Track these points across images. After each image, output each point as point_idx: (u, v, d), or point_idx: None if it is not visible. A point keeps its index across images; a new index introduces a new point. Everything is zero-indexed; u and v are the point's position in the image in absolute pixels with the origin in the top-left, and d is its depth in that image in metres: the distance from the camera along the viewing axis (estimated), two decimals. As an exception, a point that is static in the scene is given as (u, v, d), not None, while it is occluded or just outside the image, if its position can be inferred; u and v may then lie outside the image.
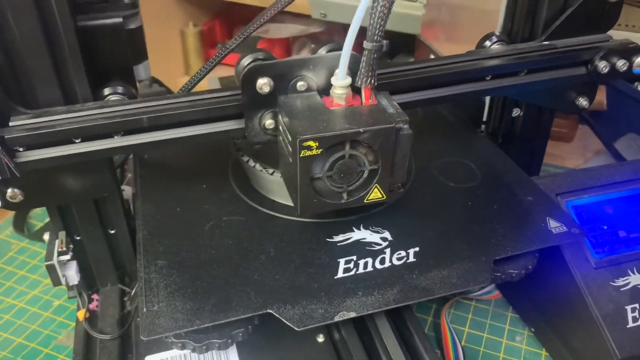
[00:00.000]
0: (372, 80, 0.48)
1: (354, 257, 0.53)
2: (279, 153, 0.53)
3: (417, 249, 0.54)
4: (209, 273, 0.51)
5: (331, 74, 0.51)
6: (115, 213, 0.63)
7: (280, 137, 0.51)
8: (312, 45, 1.31)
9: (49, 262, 0.59)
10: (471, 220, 0.58)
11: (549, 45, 0.63)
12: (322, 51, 0.52)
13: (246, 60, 0.51)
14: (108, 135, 0.51)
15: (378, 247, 0.54)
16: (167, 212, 0.58)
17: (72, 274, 0.62)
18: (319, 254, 0.53)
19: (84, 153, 0.51)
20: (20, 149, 0.49)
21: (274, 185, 0.58)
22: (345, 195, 0.50)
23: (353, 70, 0.49)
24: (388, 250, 0.54)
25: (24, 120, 0.49)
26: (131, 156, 0.76)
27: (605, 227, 0.66)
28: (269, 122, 0.52)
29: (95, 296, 0.67)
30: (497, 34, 0.67)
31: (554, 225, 0.58)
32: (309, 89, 0.51)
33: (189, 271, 0.51)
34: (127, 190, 0.70)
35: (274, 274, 0.51)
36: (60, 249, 0.60)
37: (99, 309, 0.65)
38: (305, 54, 1.34)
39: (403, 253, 0.54)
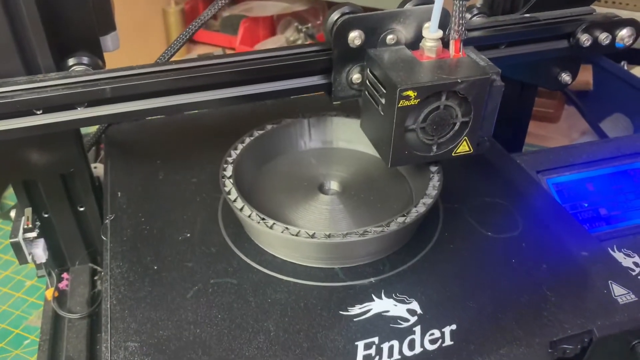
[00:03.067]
0: (463, 32, 0.47)
1: (376, 339, 0.43)
2: (364, 108, 0.52)
3: (453, 326, 0.44)
4: None
5: (420, 27, 0.50)
6: (84, 189, 0.61)
7: (367, 92, 0.51)
8: (296, 24, 1.28)
9: (14, 240, 0.57)
10: (517, 285, 0.47)
11: (530, 17, 0.61)
12: (409, 5, 0.51)
13: (336, 15, 0.50)
14: (71, 106, 0.49)
15: (405, 324, 0.44)
16: (142, 271, 0.48)
17: (39, 252, 0.60)
18: (332, 333, 0.43)
19: (46, 125, 0.49)
20: (-22, 121, 0.47)
21: (275, 239, 0.49)
22: (434, 148, 0.49)
23: (441, 24, 0.48)
24: (418, 329, 0.44)
25: (-19, 91, 0.47)
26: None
27: (586, 205, 0.65)
28: (356, 77, 0.52)
29: (65, 275, 0.65)
30: (478, 6, 0.65)
31: (619, 292, 0.47)
32: (397, 42, 0.50)
33: (167, 359, 0.42)
34: (99, 168, 0.68)
35: None
36: (26, 226, 0.58)
37: (69, 288, 0.64)
38: (290, 32, 1.32)
39: (437, 333, 0.43)
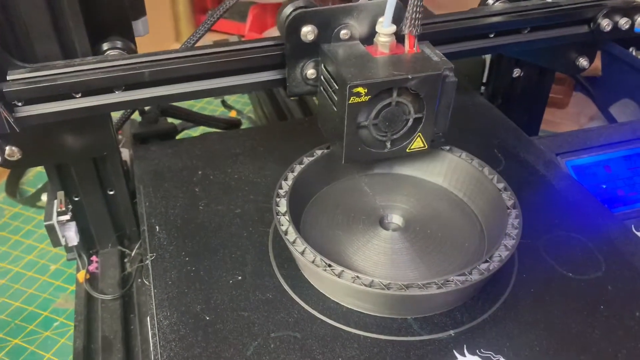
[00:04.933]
0: (417, 27, 0.47)
1: None
2: (319, 104, 0.52)
3: None
4: None
5: (374, 22, 0.50)
6: (115, 173, 0.62)
7: (322, 87, 0.50)
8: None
9: (49, 222, 0.58)
10: (610, 336, 0.43)
11: (552, 2, 0.62)
12: (362, -1, 0.51)
13: (288, 9, 0.49)
14: (109, 89, 0.50)
15: None
16: (193, 323, 0.43)
17: (71, 234, 0.61)
18: None
19: (85, 108, 0.50)
20: (19, 104, 0.48)
21: (342, 288, 0.44)
22: (388, 144, 0.49)
23: (395, 19, 0.48)
24: None
25: (22, 74, 0.48)
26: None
27: (604, 187, 0.66)
28: (310, 72, 0.52)
29: (94, 258, 0.66)
30: (500, -8, 0.66)
31: None
32: (351, 38, 0.50)
33: None
34: (124, 153, 0.69)
35: None
36: (59, 209, 0.59)
37: (99, 270, 0.65)
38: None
39: None
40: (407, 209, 0.53)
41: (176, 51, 0.52)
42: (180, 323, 0.43)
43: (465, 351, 0.41)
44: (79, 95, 0.49)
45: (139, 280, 0.59)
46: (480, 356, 0.41)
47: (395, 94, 0.46)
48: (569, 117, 1.05)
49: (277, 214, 0.47)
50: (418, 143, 0.50)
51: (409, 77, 0.45)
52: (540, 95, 0.75)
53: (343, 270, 0.42)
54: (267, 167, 0.59)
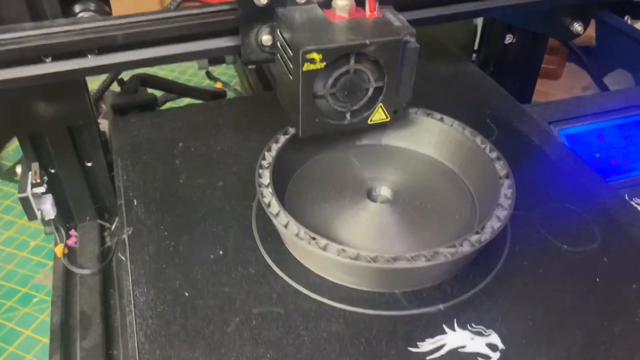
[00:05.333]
0: None
1: None
2: (277, 72, 0.49)
3: None
4: None
5: None
6: (92, 144, 0.59)
7: (279, 54, 0.48)
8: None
9: (23, 194, 0.56)
10: (606, 310, 0.42)
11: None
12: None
13: None
14: (81, 53, 0.47)
15: None
16: (172, 299, 0.41)
17: (47, 207, 0.59)
18: None
19: (56, 73, 0.47)
20: (-14, 69, 0.45)
21: (327, 262, 0.42)
22: (348, 116, 0.47)
23: None
24: None
25: (-13, 37, 0.45)
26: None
27: (597, 155, 0.65)
28: (266, 38, 0.48)
29: (73, 232, 0.64)
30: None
31: None
32: (309, 1, 0.47)
33: None
34: (104, 124, 0.67)
35: None
36: (34, 181, 0.57)
37: (78, 244, 0.63)
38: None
39: None
40: (396, 180, 0.51)
41: (152, 13, 0.50)
42: (158, 299, 0.41)
43: (456, 326, 0.40)
44: (49, 59, 0.46)
45: (119, 254, 0.57)
46: (470, 331, 0.40)
47: (353, 61, 0.44)
48: (562, 88, 1.03)
49: (260, 186, 0.45)
50: (380, 114, 0.47)
51: (367, 42, 0.42)
52: (533, 63, 0.73)
53: (328, 243, 0.40)
54: (251, 138, 0.57)
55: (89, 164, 0.61)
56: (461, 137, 0.51)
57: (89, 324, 0.55)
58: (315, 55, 0.42)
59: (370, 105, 0.47)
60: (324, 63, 0.42)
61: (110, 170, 0.62)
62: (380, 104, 0.47)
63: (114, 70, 0.55)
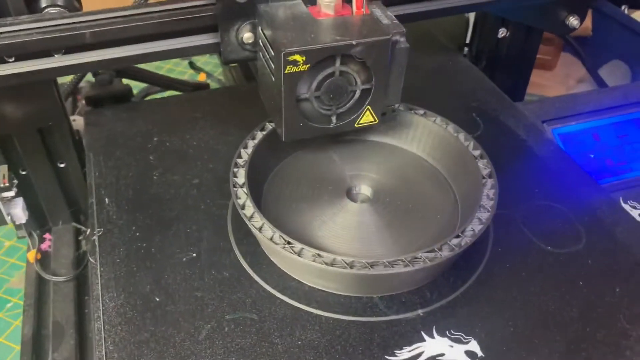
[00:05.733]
0: None
1: None
2: (259, 72, 0.46)
3: None
4: None
5: None
6: (64, 144, 0.57)
7: (261, 53, 0.45)
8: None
9: (-10, 199, 0.53)
10: (592, 316, 0.40)
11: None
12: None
13: None
14: (47, 53, 0.45)
15: None
16: (142, 305, 0.40)
17: (18, 211, 0.56)
18: None
19: (20, 74, 0.45)
20: (-58, 69, 0.42)
21: (303, 267, 0.41)
22: (334, 119, 0.44)
23: None
24: None
25: (-56, 35, 0.42)
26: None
27: (592, 156, 0.63)
28: (247, 36, 0.46)
29: (47, 236, 0.62)
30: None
31: None
32: None
33: None
34: (79, 121, 0.64)
35: None
36: (2, 185, 0.54)
37: (52, 249, 0.60)
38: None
39: None
40: (376, 178, 0.49)
41: (122, 9, 0.47)
42: (128, 305, 0.40)
43: (435, 332, 0.39)
44: (12, 59, 0.44)
45: (89, 256, 0.55)
46: (450, 338, 0.38)
47: (338, 63, 0.41)
48: (556, 78, 1.00)
49: (235, 186, 0.44)
50: (367, 117, 0.45)
51: (353, 42, 0.40)
52: (527, 57, 0.71)
53: (303, 248, 0.39)
54: (229, 132, 0.55)
55: (62, 165, 0.59)
56: (444, 134, 0.49)
57: (62, 334, 0.53)
58: (297, 57, 0.39)
59: (358, 107, 0.44)
60: (308, 65, 0.40)
61: (84, 171, 0.59)
62: (368, 106, 0.44)
63: (82, 70, 0.52)
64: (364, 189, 0.49)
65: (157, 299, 0.40)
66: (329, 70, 0.41)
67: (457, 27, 0.70)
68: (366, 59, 0.41)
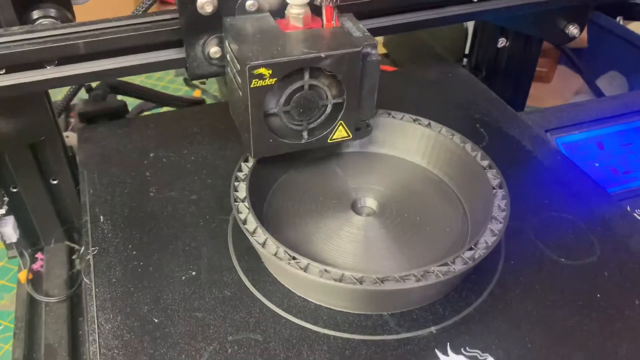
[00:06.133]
0: None
1: None
2: (228, 88, 0.45)
3: None
4: None
5: None
6: (57, 160, 0.56)
7: (228, 68, 0.44)
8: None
9: (-21, 218, 0.52)
10: (609, 330, 0.39)
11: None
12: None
13: None
14: (39, 64, 0.43)
15: None
16: (139, 326, 0.38)
17: (8, 230, 0.55)
18: None
19: (11, 86, 0.44)
20: None
21: (309, 283, 0.40)
22: (305, 134, 0.43)
23: None
24: None
25: None
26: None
27: (597, 165, 0.62)
28: (214, 50, 0.45)
29: (39, 255, 0.60)
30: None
31: None
32: (260, 10, 0.44)
33: None
34: (72, 137, 0.62)
35: None
36: (-8, 203, 0.52)
37: (44, 269, 0.59)
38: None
39: None
40: (382, 191, 0.48)
41: (118, 19, 0.46)
42: (125, 327, 0.38)
43: (449, 350, 0.37)
44: (3, 71, 0.43)
45: (84, 276, 0.53)
46: (465, 355, 0.37)
47: (307, 76, 0.40)
48: (553, 91, 1.00)
49: (236, 200, 0.43)
50: (341, 132, 0.44)
51: (322, 55, 0.39)
52: (527, 67, 0.70)
53: (309, 264, 0.37)
54: (227, 147, 0.54)
55: (54, 182, 0.57)
56: (450, 144, 0.48)
57: (54, 357, 0.51)
58: (263, 71, 0.38)
59: (330, 122, 0.43)
60: (274, 79, 0.39)
61: (78, 188, 0.57)
62: (341, 121, 0.43)
63: (75, 82, 0.50)
64: (369, 202, 0.48)
65: (156, 320, 0.39)
66: (297, 84, 0.40)
67: (456, 38, 0.70)
68: (336, 72, 0.40)
